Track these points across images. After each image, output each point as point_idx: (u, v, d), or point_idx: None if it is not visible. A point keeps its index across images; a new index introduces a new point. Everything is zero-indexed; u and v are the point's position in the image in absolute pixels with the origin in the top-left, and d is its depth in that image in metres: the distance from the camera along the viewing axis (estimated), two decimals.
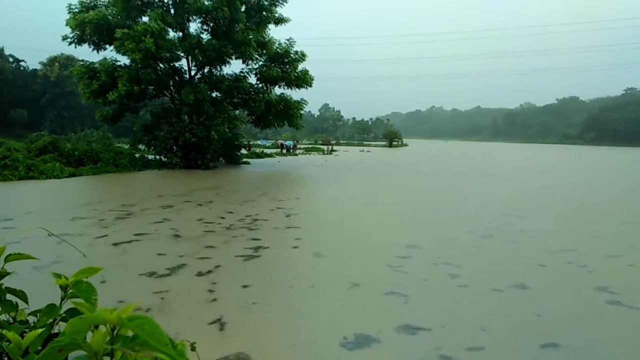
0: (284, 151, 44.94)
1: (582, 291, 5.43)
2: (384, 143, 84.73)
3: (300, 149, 51.72)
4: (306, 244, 7.52)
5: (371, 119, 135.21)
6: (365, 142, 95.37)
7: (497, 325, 4.32)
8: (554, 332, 4.19)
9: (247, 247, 7.14)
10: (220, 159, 27.08)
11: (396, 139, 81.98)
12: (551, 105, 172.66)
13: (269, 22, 25.02)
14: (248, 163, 28.45)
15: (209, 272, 5.81)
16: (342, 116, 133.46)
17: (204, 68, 24.65)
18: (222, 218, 9.68)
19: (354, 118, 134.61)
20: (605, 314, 4.73)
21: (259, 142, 65.29)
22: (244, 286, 5.27)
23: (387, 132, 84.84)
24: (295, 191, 15.45)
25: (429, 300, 4.95)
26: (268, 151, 42.07)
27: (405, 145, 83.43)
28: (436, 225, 9.42)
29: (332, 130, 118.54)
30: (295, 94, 26.14)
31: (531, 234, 8.67)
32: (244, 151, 32.16)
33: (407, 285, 5.44)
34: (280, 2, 24.60)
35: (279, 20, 25.11)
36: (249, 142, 46.94)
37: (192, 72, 24.72)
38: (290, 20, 25.54)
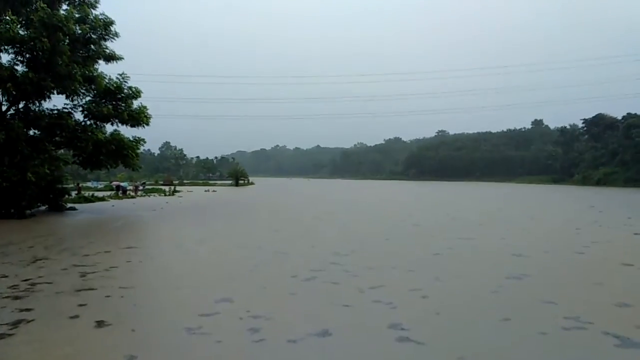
0: (120, 194, 41.44)
1: (379, 329, 5.62)
2: (230, 182, 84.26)
3: (140, 190, 48.25)
4: (91, 310, 6.32)
5: (216, 157, 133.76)
6: (210, 182, 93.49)
7: None
8: None
9: (2, 324, 5.70)
10: (40, 205, 23.76)
11: (242, 178, 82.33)
12: (380, 145, 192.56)
13: (99, 58, 23.35)
14: (74, 209, 25.47)
15: None
16: (185, 155, 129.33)
17: (18, 103, 21.71)
18: None
19: (198, 157, 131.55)
20: (393, 352, 4.97)
21: (89, 184, 59.23)
22: None
23: (233, 171, 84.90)
24: (110, 243, 13.18)
25: None
26: (101, 194, 38.31)
27: (252, 183, 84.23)
28: (260, 271, 9.27)
29: (174, 170, 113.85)
30: (133, 132, 24.59)
31: (354, 273, 8.99)
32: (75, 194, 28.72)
33: (197, 350, 4.97)
34: (111, 36, 23.19)
35: (110, 57, 23.61)
36: (78, 185, 42.24)
37: (4, 108, 21.58)
38: (123, 58, 24.28)
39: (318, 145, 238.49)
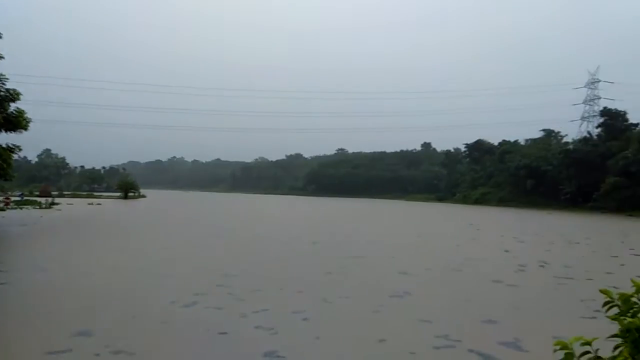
0: None
1: (252, 359, 5.44)
2: (118, 194, 78.47)
3: (11, 202, 42.75)
4: None
5: (104, 167, 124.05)
6: (96, 194, 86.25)
7: None
8: None
9: None
10: None
11: (133, 190, 77.11)
12: (281, 161, 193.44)
13: None
14: None
15: None
16: (67, 164, 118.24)
17: None
18: None
19: (82, 166, 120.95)
20: None
21: None
22: None
23: (122, 183, 79.13)
24: None
25: None
26: None
27: (143, 196, 79.28)
28: (135, 297, 8.53)
29: (54, 180, 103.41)
30: (7, 138, 22.09)
31: (240, 296, 8.60)
32: None
33: None
34: None
35: None
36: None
37: None
38: (3, 57, 21.87)
39: (218, 159, 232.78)
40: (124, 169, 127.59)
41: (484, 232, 25.56)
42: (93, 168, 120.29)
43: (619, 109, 69.11)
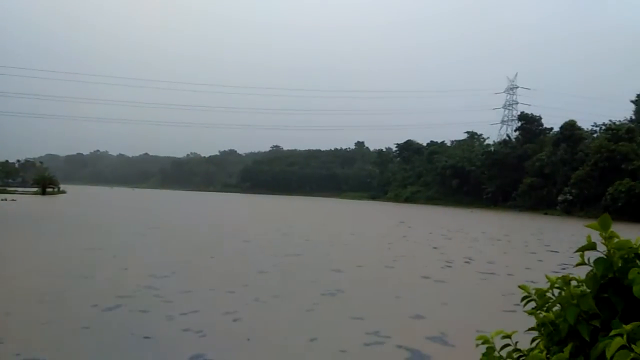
0: None
1: None
2: (35, 190, 72.78)
3: None
4: None
5: (19, 160, 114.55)
6: (9, 189, 79.44)
7: None
8: None
9: None
10: None
11: (52, 185, 71.87)
12: (214, 157, 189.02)
13: None
14: None
15: None
16: None
17: None
18: None
19: None
20: None
21: None
22: None
23: (40, 177, 73.49)
24: None
25: None
26: None
27: (64, 192, 74.14)
28: (53, 301, 7.89)
29: None
30: None
31: (168, 298, 8.28)
32: None
33: None
34: None
35: None
36: None
37: None
38: None
39: (146, 153, 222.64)
40: (41, 162, 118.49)
41: (413, 230, 26.52)
42: (6, 161, 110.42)
43: (535, 113, 74.61)
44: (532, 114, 74.62)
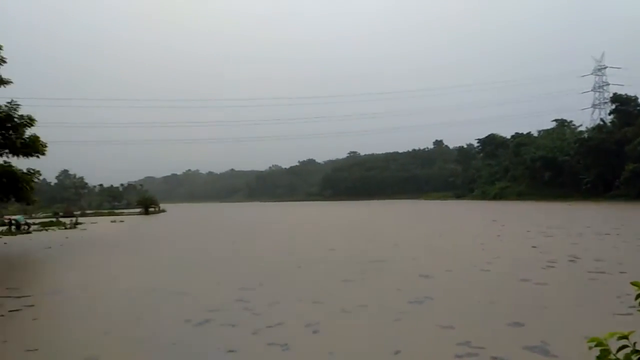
0: (14, 229, 37.04)
1: None
2: (139, 210, 79.37)
3: (34, 224, 43.20)
4: None
5: (122, 184, 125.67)
6: (117, 211, 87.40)
7: None
8: None
9: None
10: None
11: (153, 205, 77.94)
12: (295, 167, 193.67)
13: None
14: None
15: None
16: (86, 183, 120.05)
17: None
18: None
19: (101, 185, 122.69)
20: None
21: None
22: None
23: (142, 199, 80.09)
24: None
25: None
26: None
27: (163, 211, 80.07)
28: (145, 318, 8.37)
29: (74, 200, 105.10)
30: (25, 162, 22.75)
31: (256, 311, 8.65)
32: None
33: None
34: None
35: None
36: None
37: None
38: (12, 82, 22.64)
39: (232, 169, 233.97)
40: (141, 185, 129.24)
41: (508, 228, 25.01)
42: (111, 186, 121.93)
43: (629, 94, 67.67)
44: (626, 94, 67.84)
